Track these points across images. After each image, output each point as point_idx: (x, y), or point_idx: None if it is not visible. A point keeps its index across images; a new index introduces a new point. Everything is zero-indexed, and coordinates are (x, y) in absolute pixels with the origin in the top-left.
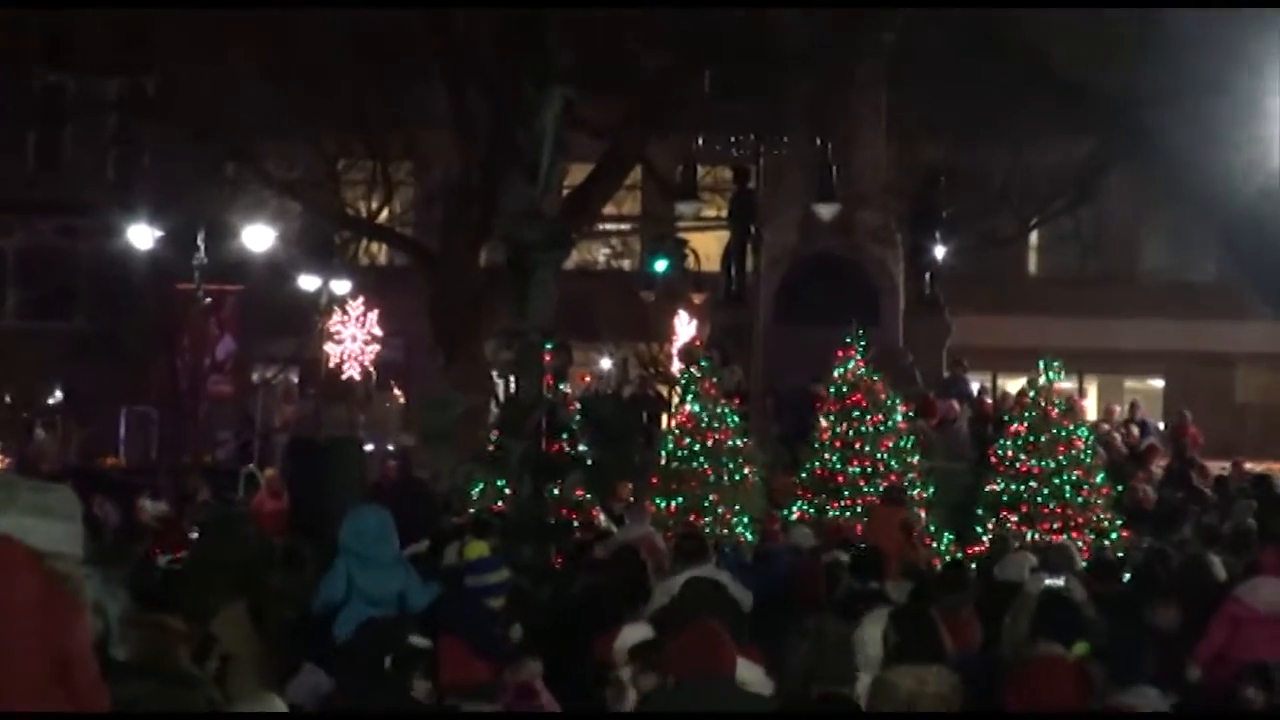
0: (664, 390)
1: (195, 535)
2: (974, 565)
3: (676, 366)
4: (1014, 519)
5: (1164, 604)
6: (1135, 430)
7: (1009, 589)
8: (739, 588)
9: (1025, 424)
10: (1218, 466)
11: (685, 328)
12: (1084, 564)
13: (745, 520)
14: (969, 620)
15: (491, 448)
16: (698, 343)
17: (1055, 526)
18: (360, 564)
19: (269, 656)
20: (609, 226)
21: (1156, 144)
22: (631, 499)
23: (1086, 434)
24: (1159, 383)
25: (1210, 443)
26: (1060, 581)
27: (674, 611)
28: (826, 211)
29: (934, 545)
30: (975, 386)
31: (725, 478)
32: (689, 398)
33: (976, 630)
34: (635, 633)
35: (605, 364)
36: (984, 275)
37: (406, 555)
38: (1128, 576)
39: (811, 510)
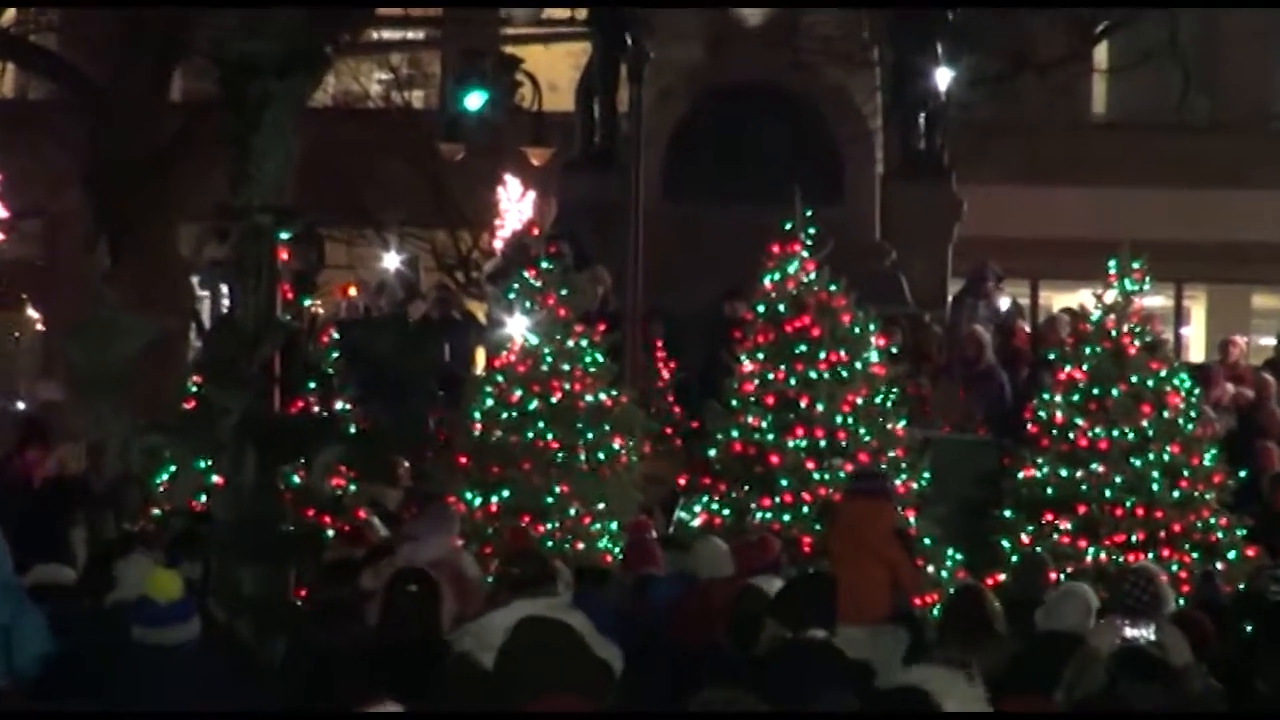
0: (479, 310)
1: None
2: None
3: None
4: (1066, 525)
5: None
6: (1272, 379)
7: (1060, 645)
8: (603, 639)
9: (1085, 368)
10: None
11: (515, 206)
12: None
13: (614, 528)
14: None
15: (191, 406)
16: (536, 231)
17: (1135, 539)
18: None
19: None
20: (388, 35)
21: None
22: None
23: (1189, 384)
24: None
25: None
26: (1148, 633)
27: (501, 677)
28: (754, 13)
29: (930, 568)
30: (1004, 305)
31: (581, 456)
32: (521, 322)
33: None
34: None
35: (385, 264)
36: (1018, 121)
37: (31, 585)
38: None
39: (726, 511)
